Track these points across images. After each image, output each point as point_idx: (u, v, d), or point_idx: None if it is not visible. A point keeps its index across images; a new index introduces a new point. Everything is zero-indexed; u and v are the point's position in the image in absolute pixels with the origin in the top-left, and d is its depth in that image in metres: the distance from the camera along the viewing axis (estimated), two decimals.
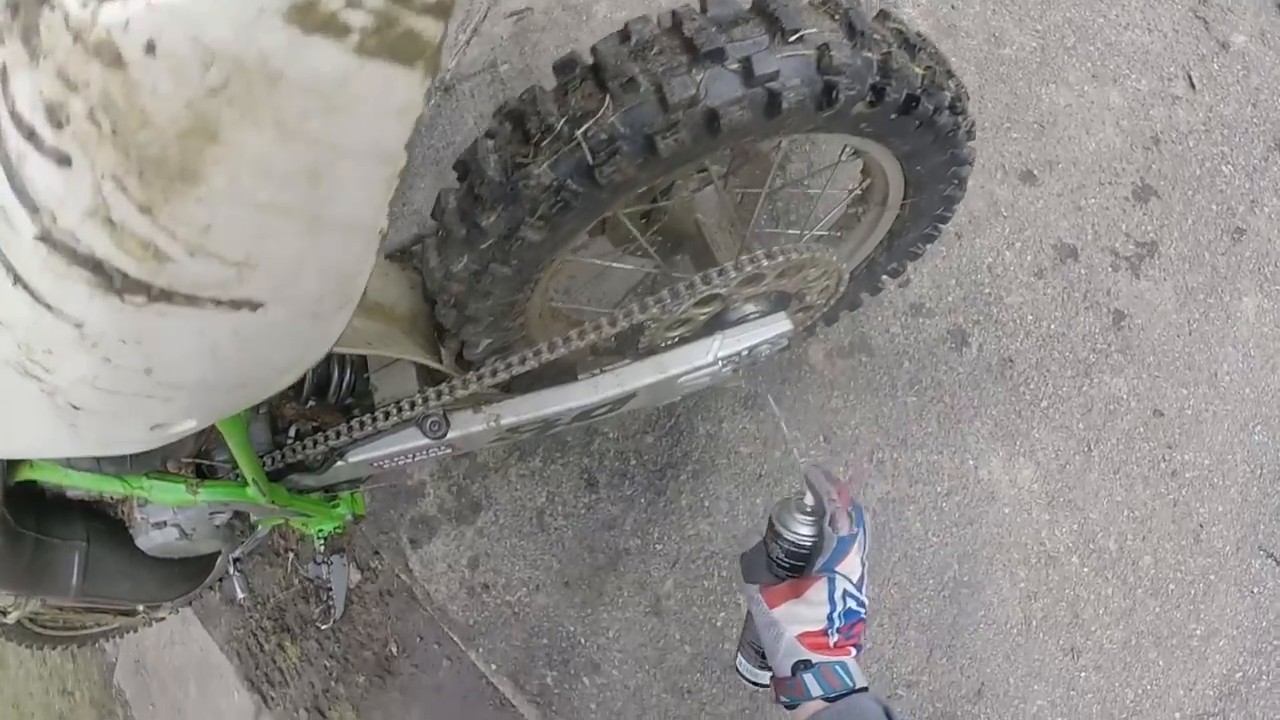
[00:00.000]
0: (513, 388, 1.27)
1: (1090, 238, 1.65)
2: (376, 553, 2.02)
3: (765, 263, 1.18)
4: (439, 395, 1.18)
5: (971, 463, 1.62)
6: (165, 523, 1.23)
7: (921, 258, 1.45)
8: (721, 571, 1.66)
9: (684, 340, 1.32)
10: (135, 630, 2.02)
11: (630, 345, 1.35)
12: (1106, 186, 1.65)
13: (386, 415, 1.17)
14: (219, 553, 1.72)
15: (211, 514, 1.26)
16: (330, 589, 1.54)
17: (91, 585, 1.26)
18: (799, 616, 0.84)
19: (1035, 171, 1.66)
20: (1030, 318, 1.64)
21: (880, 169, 1.33)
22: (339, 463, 1.24)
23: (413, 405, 1.17)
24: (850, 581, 0.85)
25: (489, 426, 1.24)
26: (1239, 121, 1.65)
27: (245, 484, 1.17)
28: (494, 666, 1.83)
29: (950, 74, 1.13)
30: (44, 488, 1.20)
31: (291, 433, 1.24)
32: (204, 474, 1.19)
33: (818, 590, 0.84)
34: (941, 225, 1.42)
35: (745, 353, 1.29)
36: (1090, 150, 1.66)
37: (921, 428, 1.63)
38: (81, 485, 1.12)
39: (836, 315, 1.60)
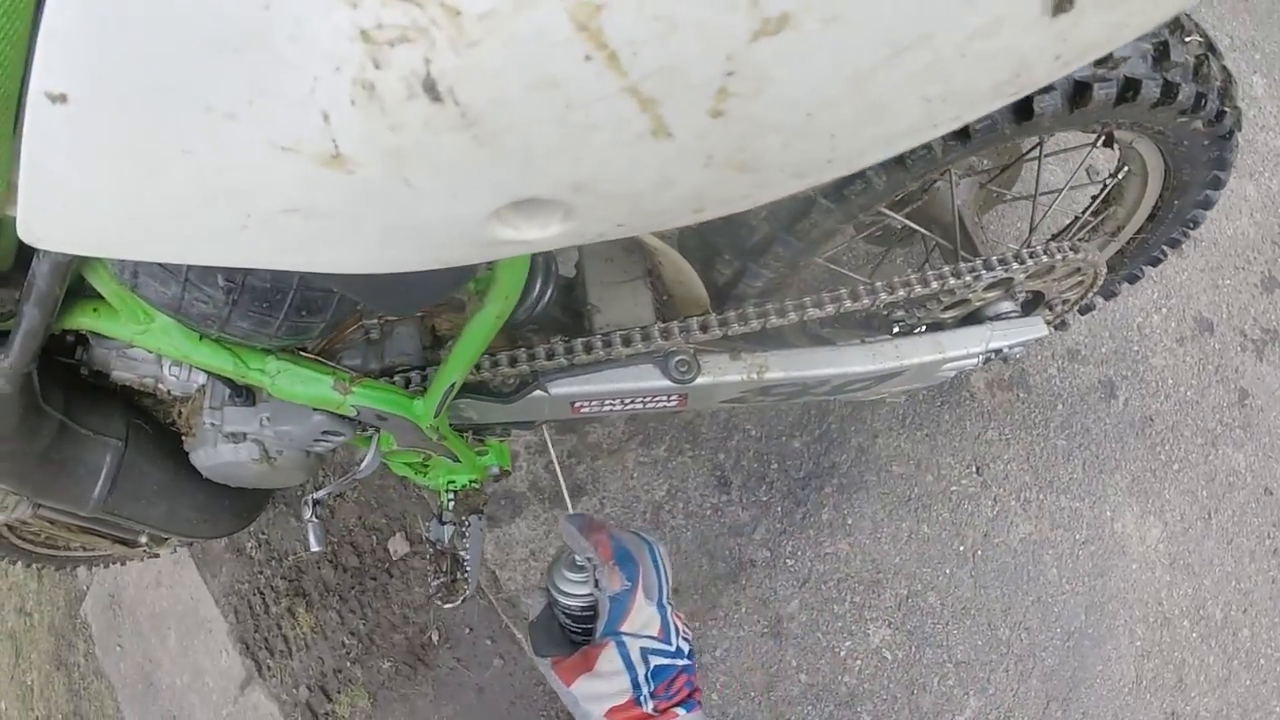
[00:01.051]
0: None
1: (1225, 316, 1.73)
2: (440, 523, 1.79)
3: (1071, 255, 1.17)
4: (704, 328, 1.02)
5: (1109, 514, 1.62)
6: (245, 436, 0.95)
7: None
8: (855, 597, 1.57)
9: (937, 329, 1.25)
10: (123, 563, 1.74)
11: (880, 324, 1.28)
12: (1240, 271, 1.75)
13: (627, 340, 0.99)
14: (272, 491, 1.46)
15: (321, 435, 0.98)
16: (463, 557, 1.30)
17: (118, 501, 0.99)
18: (598, 692, 0.73)
19: (1182, 244, 1.73)
20: (1170, 381, 1.69)
21: (1136, 200, 1.34)
22: (537, 393, 1.03)
23: (664, 335, 1.00)
24: (648, 636, 0.74)
25: (747, 378, 1.10)
26: None
27: (411, 395, 0.93)
28: None
29: None
30: (85, 364, 0.93)
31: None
32: None
33: (608, 658, 0.72)
34: (1145, 268, 1.45)
35: (1004, 349, 1.25)
36: (1228, 234, 1.76)
37: (1068, 472, 1.62)
38: (164, 350, 0.82)
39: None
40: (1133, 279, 1.46)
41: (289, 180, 0.42)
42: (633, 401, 1.10)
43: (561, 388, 1.04)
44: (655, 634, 0.73)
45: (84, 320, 0.79)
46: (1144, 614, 1.63)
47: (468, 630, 1.73)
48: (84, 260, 0.75)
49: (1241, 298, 1.75)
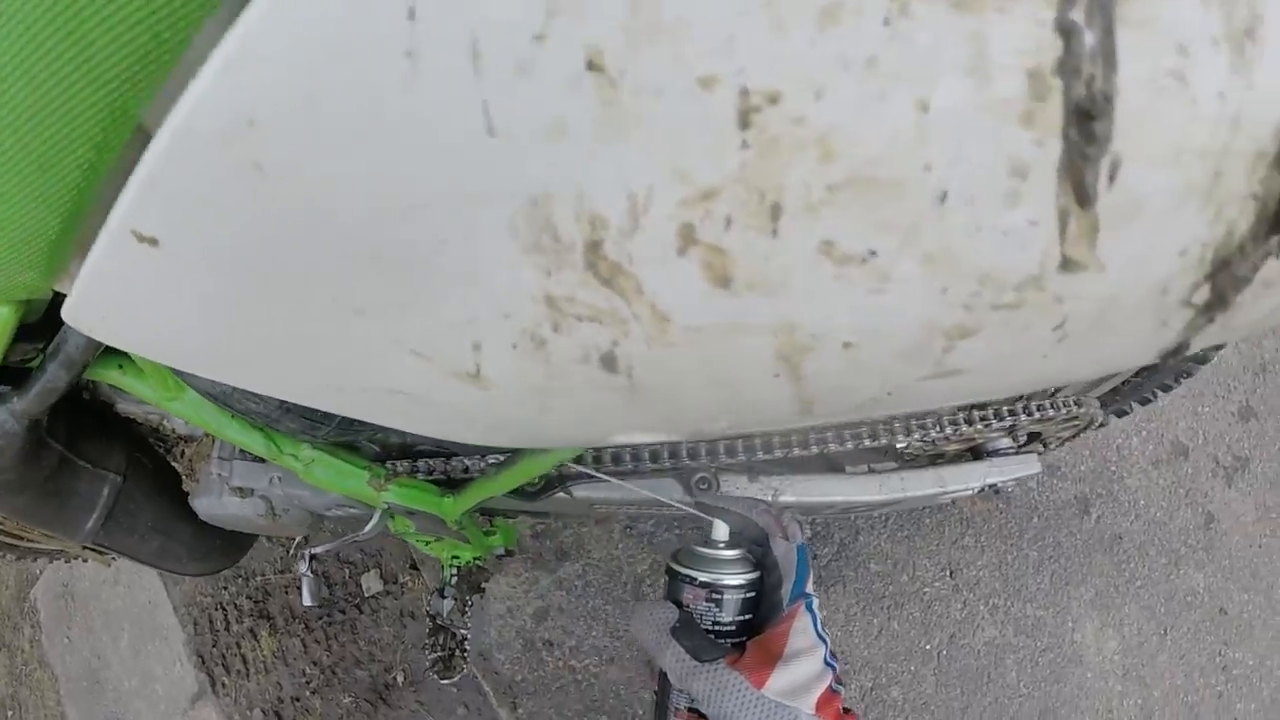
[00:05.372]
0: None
1: (1200, 442, 1.76)
2: (414, 567, 1.77)
3: (1077, 410, 1.17)
4: (730, 453, 1.02)
5: (1070, 624, 1.65)
6: (253, 491, 0.93)
7: None
8: None
9: (940, 461, 1.26)
10: (85, 560, 1.61)
11: (887, 450, 1.27)
12: (1219, 399, 1.78)
13: (655, 457, 0.98)
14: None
15: (337, 506, 0.98)
16: (464, 635, 1.28)
17: (112, 534, 0.96)
18: (799, 680, 0.56)
19: (1174, 388, 1.76)
20: (1142, 502, 1.71)
21: None
22: (560, 494, 1.02)
23: (691, 455, 0.99)
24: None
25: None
26: None
27: (441, 492, 0.93)
28: None
29: None
30: (88, 390, 0.91)
31: None
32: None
33: (801, 631, 0.58)
34: (1135, 405, 1.46)
35: (999, 484, 1.25)
36: (1212, 364, 1.78)
37: (1036, 582, 1.64)
38: (192, 420, 0.79)
39: None
40: (1121, 413, 1.47)
41: (406, 375, 0.40)
42: (653, 508, 1.10)
43: (584, 492, 1.03)
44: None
45: (109, 375, 0.76)
46: None
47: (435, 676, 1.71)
48: None
49: (1218, 425, 1.78)
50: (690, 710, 0.61)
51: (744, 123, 0.28)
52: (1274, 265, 0.37)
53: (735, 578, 0.64)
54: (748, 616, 0.64)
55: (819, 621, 0.58)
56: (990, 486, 1.25)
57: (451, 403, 0.42)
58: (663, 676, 0.63)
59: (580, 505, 1.07)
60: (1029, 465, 1.26)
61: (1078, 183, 0.31)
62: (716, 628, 0.63)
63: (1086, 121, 0.29)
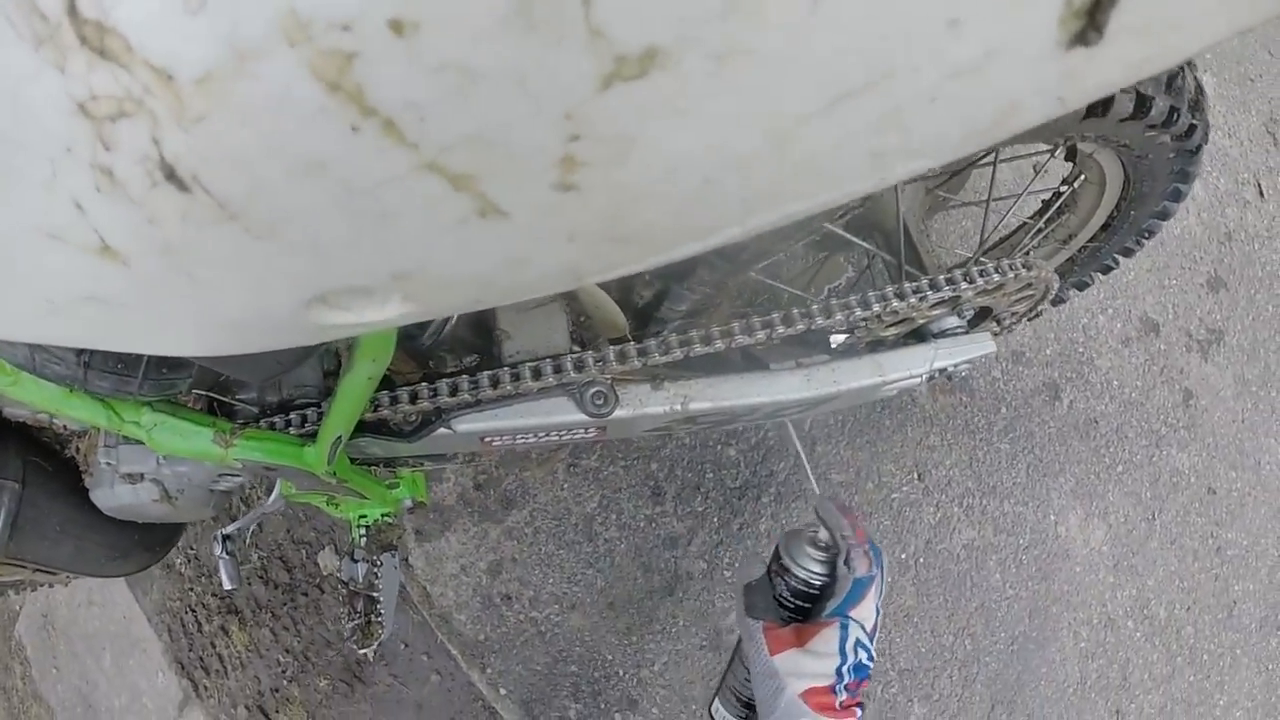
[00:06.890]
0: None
1: (1170, 316, 1.64)
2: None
3: (1025, 273, 1.05)
4: (621, 358, 0.88)
5: (1052, 518, 1.53)
6: (142, 476, 0.85)
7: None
8: None
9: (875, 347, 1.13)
10: (51, 586, 1.59)
11: (816, 339, 1.14)
12: (1186, 271, 1.66)
13: (536, 374, 0.85)
14: (183, 525, 1.33)
15: (220, 475, 0.87)
16: (375, 597, 1.16)
17: (21, 544, 0.90)
18: (803, 668, 0.69)
19: (1136, 252, 1.63)
20: (1115, 383, 1.59)
21: (1091, 209, 1.23)
22: (442, 430, 0.88)
23: (578, 366, 0.87)
24: (864, 630, 0.71)
25: (669, 410, 0.97)
26: None
27: (300, 442, 0.79)
28: (502, 691, 1.51)
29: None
30: None
31: None
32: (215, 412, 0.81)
33: (827, 639, 0.69)
34: (1096, 275, 1.34)
35: (950, 368, 1.12)
36: (1175, 234, 1.66)
37: (1011, 477, 1.53)
38: (36, 403, 0.69)
39: None
40: (1082, 286, 1.35)
41: (70, 269, 0.35)
42: (548, 434, 0.96)
43: (468, 424, 0.89)
44: (869, 630, 0.71)
45: None
46: (1088, 616, 1.55)
47: (403, 646, 1.60)
48: None
49: (1187, 298, 1.65)
50: None
51: None
52: None
53: (807, 574, 0.74)
54: (807, 605, 0.75)
55: (850, 642, 0.68)
56: (941, 372, 1.12)
57: (124, 296, 0.36)
58: None
59: (470, 440, 0.93)
60: (982, 345, 1.13)
61: None
62: (780, 599, 0.75)
63: None
